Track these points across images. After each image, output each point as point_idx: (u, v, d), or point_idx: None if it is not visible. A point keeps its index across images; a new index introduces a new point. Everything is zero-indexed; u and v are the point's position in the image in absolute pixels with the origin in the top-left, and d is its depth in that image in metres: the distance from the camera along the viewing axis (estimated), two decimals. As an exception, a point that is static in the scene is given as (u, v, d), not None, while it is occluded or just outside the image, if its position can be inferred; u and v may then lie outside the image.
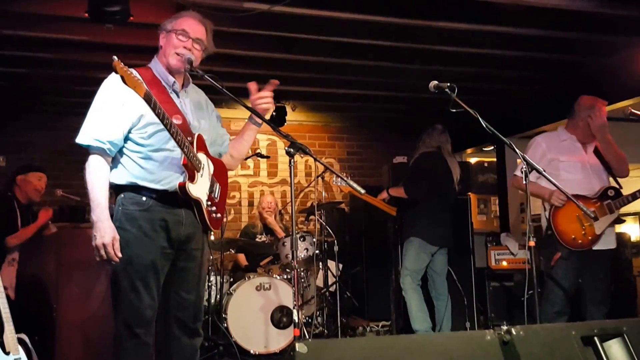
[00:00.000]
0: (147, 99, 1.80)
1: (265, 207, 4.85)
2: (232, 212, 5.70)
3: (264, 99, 2.14)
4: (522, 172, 2.19)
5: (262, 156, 4.54)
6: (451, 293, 3.81)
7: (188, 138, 1.97)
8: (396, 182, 3.96)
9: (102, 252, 1.86)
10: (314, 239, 4.12)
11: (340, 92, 5.07)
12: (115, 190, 1.98)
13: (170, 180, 1.99)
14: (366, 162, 6.05)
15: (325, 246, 4.36)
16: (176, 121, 1.94)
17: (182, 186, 1.94)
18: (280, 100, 5.18)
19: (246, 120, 2.25)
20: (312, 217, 4.47)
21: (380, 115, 5.88)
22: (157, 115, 1.85)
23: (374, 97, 5.21)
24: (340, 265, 4.60)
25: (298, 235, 4.07)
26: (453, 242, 3.78)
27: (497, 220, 5.59)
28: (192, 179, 1.97)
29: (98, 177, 1.91)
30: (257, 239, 4.81)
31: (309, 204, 5.70)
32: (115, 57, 1.74)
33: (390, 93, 5.02)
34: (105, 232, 1.87)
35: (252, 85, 2.13)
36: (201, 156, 2.05)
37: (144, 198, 1.96)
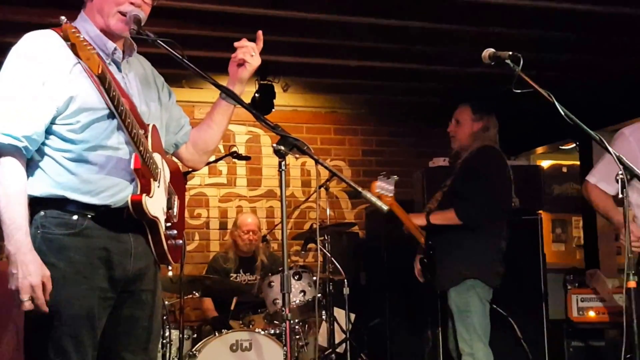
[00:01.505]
0: (102, 77, 1.82)
1: (243, 230, 4.92)
2: (196, 237, 5.77)
3: (243, 48, 2.19)
4: (616, 181, 2.13)
5: (239, 157, 4.59)
6: (514, 356, 3.80)
7: (141, 131, 2.00)
8: (433, 193, 3.90)
9: (27, 297, 1.83)
10: (314, 277, 4.16)
11: (353, 65, 5.06)
12: (31, 205, 1.95)
13: (115, 192, 2.00)
14: (390, 166, 5.94)
15: (331, 287, 4.39)
16: None
17: (138, 201, 1.97)
18: (266, 77, 5.19)
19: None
20: (311, 245, 4.49)
21: (410, 99, 5.91)
22: (112, 100, 1.88)
23: (401, 72, 5.19)
24: (353, 316, 4.65)
25: (291, 272, 4.13)
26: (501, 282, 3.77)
27: (581, 250, 5.63)
28: (147, 190, 2.00)
29: (13, 188, 1.89)
30: (231, 277, 4.85)
31: (307, 227, 5.75)
32: (63, 18, 1.77)
33: (424, 66, 5.00)
34: (30, 268, 1.84)
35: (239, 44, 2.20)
36: (157, 157, 2.10)
37: (75, 217, 1.96)
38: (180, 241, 2.20)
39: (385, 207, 2.03)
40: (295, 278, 4.16)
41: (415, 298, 4.40)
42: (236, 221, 5.10)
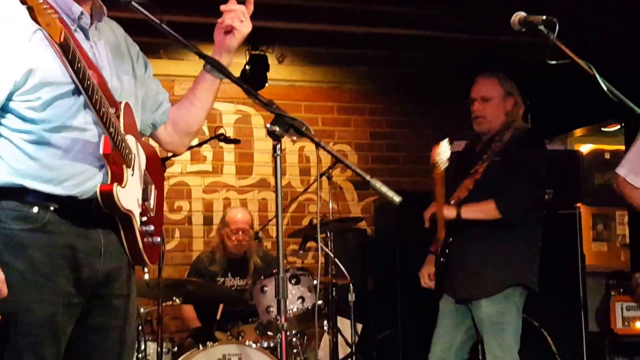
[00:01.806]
0: (64, 46, 1.81)
1: (232, 228, 4.96)
2: (177, 234, 5.81)
3: (231, 13, 2.19)
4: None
5: (227, 140, 4.64)
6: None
7: (111, 109, 2.00)
8: (455, 185, 3.82)
9: None
10: (315, 282, 4.18)
11: (360, 32, 5.07)
12: None
13: (81, 181, 2.01)
14: (402, 151, 6.14)
15: (334, 293, 4.42)
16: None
17: (108, 192, 1.97)
18: (259, 47, 5.22)
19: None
20: (311, 244, 4.53)
21: (426, 72, 5.90)
22: (77, 73, 1.87)
23: (416, 40, 5.20)
24: (359, 327, 4.68)
25: (288, 275, 4.12)
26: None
27: (626, 250, 5.70)
28: (119, 178, 2.02)
29: None
30: (217, 282, 4.88)
31: (306, 222, 5.80)
32: None
33: (442, 34, 5.02)
34: None
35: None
36: (130, 140, 2.10)
37: (36, 209, 1.96)
38: (159, 239, 2.20)
39: (397, 199, 2.02)
40: (292, 282, 4.16)
41: (432, 306, 4.20)
42: (224, 217, 5.14)
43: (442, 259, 3.66)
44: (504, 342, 3.55)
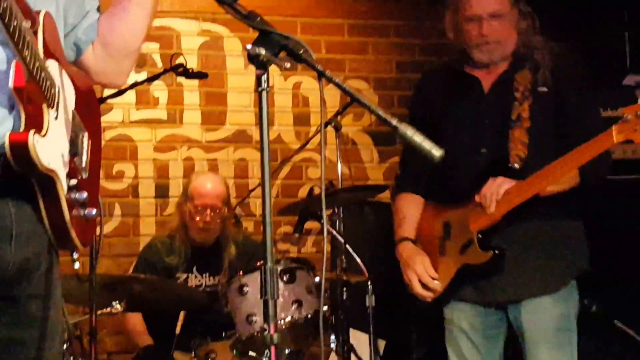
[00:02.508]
0: None
1: (197, 203, 5.05)
2: (117, 211, 5.93)
3: None
4: None
5: (189, 74, 4.70)
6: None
7: (25, 23, 1.97)
8: (489, 135, 3.85)
9: None
10: (317, 279, 4.29)
11: None
12: None
13: None
14: None
15: (345, 296, 4.50)
16: None
17: (21, 143, 1.95)
18: None
19: None
20: (311, 223, 4.67)
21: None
22: None
23: None
24: (382, 344, 4.88)
25: (279, 269, 4.16)
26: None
27: None
28: (37, 124, 2.01)
29: None
30: (177, 279, 5.00)
31: (303, 193, 5.85)
32: None
33: None
34: None
35: None
36: (52, 68, 2.11)
37: None
38: (94, 211, 2.23)
39: (437, 152, 2.06)
40: (285, 279, 4.23)
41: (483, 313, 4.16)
42: (186, 188, 5.18)
43: (495, 251, 3.63)
44: (571, 355, 3.65)
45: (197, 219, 5.00)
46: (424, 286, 3.69)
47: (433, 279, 3.69)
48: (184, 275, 5.03)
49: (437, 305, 3.78)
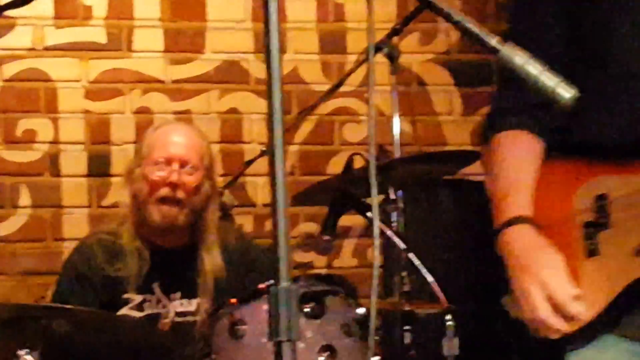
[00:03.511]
0: None
1: (157, 155, 4.92)
2: (26, 197, 5.84)
3: None
4: None
5: None
6: None
7: None
8: None
9: None
10: (361, 311, 4.25)
11: None
12: None
13: None
14: None
15: (408, 338, 4.59)
16: None
17: None
18: None
19: None
20: (350, 217, 4.78)
21: None
22: None
23: None
24: None
25: (299, 292, 3.93)
26: None
27: None
28: None
29: None
30: (125, 302, 4.91)
31: (335, 166, 5.92)
32: None
33: None
34: None
35: None
36: None
37: None
38: None
39: (567, 94, 2.18)
40: (308, 311, 4.21)
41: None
42: (139, 148, 4.99)
43: None
44: None
45: (157, 180, 4.88)
46: (558, 311, 3.32)
47: (575, 297, 3.32)
48: (138, 298, 4.88)
49: (567, 345, 3.41)
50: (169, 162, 4.91)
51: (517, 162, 3.61)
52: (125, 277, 5.04)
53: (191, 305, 5.08)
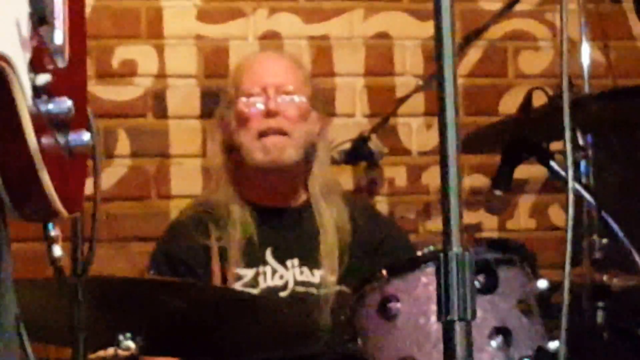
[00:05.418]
0: None
1: (248, 87, 5.00)
2: (125, 144, 5.62)
3: None
4: None
5: None
6: None
7: None
8: None
9: None
10: (540, 283, 4.34)
11: None
12: None
13: None
14: None
15: (601, 317, 4.75)
16: None
17: None
18: None
19: None
20: (526, 165, 4.80)
21: None
22: None
23: None
24: None
25: (472, 259, 3.80)
26: None
27: None
28: None
29: None
30: (239, 278, 4.89)
31: (509, 105, 5.69)
32: None
33: None
34: None
35: None
36: None
37: None
38: (86, 136, 2.36)
39: None
40: (478, 286, 4.02)
41: None
42: (227, 86, 5.00)
43: None
44: None
45: (254, 113, 4.84)
46: None
47: None
48: (250, 273, 4.69)
49: None
50: (264, 90, 4.89)
51: None
52: (231, 250, 4.94)
53: (314, 276, 4.93)
